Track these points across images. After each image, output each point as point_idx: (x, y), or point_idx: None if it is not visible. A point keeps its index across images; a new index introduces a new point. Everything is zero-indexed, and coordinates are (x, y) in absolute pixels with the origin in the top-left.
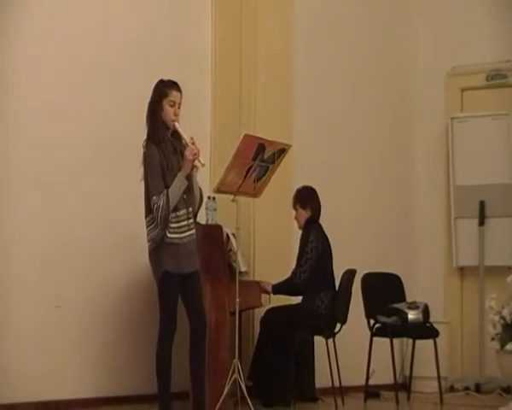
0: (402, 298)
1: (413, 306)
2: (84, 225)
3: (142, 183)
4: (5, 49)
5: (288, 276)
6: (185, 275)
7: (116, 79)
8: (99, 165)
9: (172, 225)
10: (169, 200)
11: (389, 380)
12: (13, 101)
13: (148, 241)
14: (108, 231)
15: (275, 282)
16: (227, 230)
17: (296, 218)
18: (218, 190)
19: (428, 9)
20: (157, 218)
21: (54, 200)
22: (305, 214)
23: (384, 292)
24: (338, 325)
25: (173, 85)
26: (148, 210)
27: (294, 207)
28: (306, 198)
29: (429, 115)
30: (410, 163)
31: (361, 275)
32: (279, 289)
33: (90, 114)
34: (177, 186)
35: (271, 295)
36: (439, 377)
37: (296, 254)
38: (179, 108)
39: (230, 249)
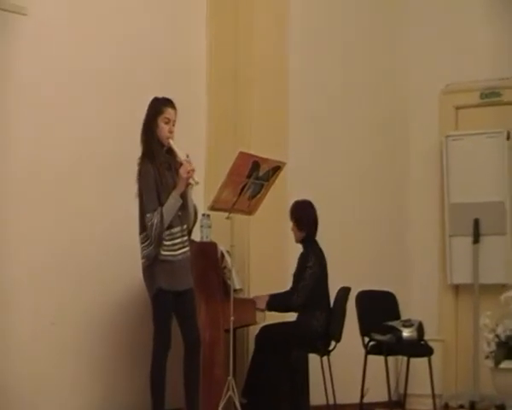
0: (396, 316)
1: (407, 323)
2: (78, 243)
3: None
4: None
5: (284, 293)
6: (179, 292)
7: (110, 93)
8: (90, 178)
9: (166, 243)
10: (163, 218)
11: (384, 398)
12: (4, 119)
13: (142, 258)
14: (102, 248)
15: (269, 293)
16: (221, 247)
17: (293, 230)
18: (213, 208)
19: (423, 27)
20: (151, 236)
21: (48, 216)
22: (300, 234)
23: (378, 310)
24: (333, 343)
25: (168, 102)
26: (142, 227)
27: (291, 220)
28: (301, 218)
29: (424, 133)
30: (405, 181)
31: (355, 293)
32: (272, 306)
33: (83, 127)
34: (172, 204)
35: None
36: (433, 395)
37: (291, 271)
38: (174, 125)
39: (225, 267)
